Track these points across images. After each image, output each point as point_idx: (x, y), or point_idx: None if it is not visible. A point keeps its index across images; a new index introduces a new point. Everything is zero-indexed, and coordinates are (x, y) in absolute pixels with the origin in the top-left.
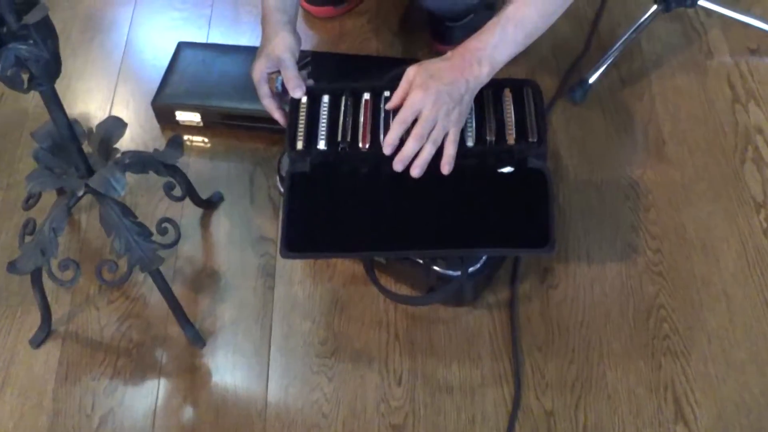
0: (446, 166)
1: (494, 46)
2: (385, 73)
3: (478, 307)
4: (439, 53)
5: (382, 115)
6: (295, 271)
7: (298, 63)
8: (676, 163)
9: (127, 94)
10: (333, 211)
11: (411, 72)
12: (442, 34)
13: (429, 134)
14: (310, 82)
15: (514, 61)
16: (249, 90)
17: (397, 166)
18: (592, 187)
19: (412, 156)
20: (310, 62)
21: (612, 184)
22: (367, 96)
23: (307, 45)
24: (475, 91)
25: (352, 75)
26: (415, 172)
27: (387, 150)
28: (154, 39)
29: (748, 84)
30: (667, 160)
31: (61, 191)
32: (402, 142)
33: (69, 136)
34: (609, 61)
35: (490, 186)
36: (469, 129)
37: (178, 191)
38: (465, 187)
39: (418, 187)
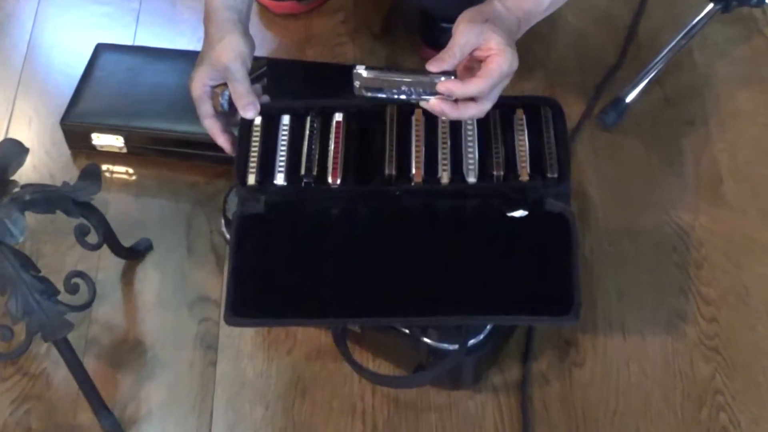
0: (438, 106)
1: (528, 11)
2: None
3: (480, 390)
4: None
5: (358, 142)
6: (243, 341)
7: (251, 73)
8: (737, 206)
9: (29, 109)
10: (294, 264)
11: (471, 18)
12: (436, 37)
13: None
14: (266, 98)
15: (529, 73)
16: (187, 107)
17: (433, 66)
18: (628, 237)
19: (457, 95)
20: (267, 72)
21: (654, 233)
22: (339, 117)
23: (264, 50)
24: (519, 36)
25: (321, 89)
26: (456, 113)
27: (433, 67)
28: (66, 39)
29: None
30: (724, 202)
31: None
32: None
33: None
34: (651, 76)
35: (496, 234)
36: (471, 161)
37: (93, 237)
38: (464, 235)
39: (405, 235)
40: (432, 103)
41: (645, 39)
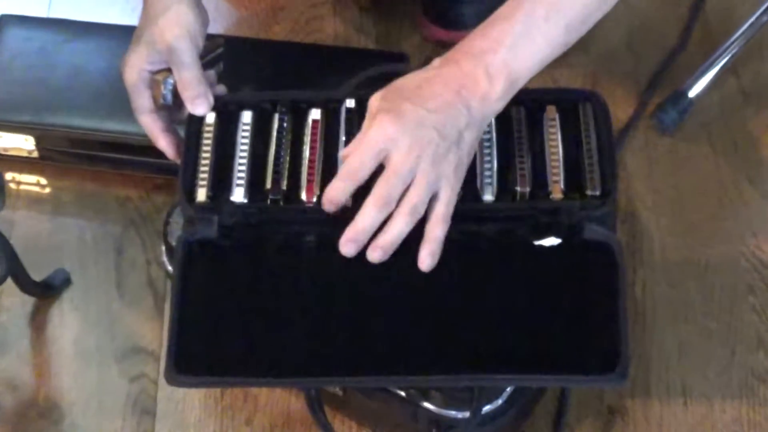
0: (427, 260)
1: (513, 45)
2: (347, 75)
3: None
4: (440, 44)
5: (342, 139)
6: (190, 406)
7: (203, 56)
8: None
9: None
10: (255, 306)
11: (375, 97)
12: (443, 11)
13: (402, 197)
14: (222, 88)
15: (563, 57)
16: (118, 100)
17: (346, 247)
18: (691, 273)
19: (369, 231)
20: (223, 55)
21: (726, 269)
22: (315, 114)
23: (219, 26)
24: (484, 124)
25: (293, 78)
26: (375, 256)
27: (328, 207)
28: None
29: None
30: None
31: None
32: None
33: None
34: (721, 64)
35: (520, 270)
36: (488, 174)
37: None
38: (478, 271)
39: (401, 270)
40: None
41: (715, 14)
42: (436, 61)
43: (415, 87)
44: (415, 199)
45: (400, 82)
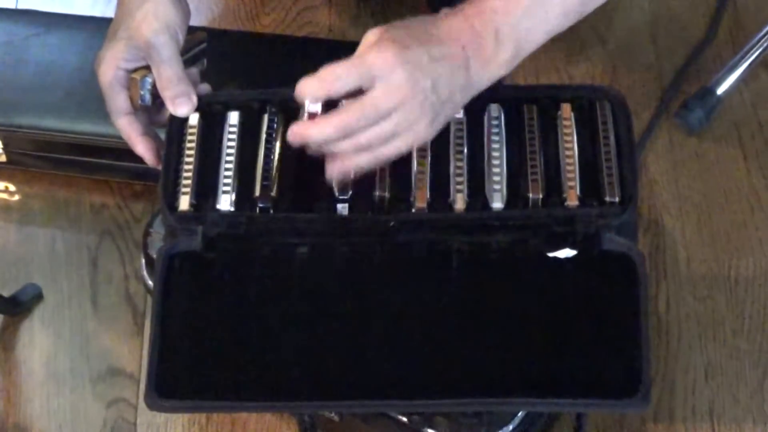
0: (328, 170)
1: (527, 9)
2: None
3: None
4: None
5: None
6: None
7: (184, 52)
8: None
9: None
10: (243, 323)
11: (375, 30)
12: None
13: (381, 137)
14: (206, 87)
15: (581, 51)
16: (92, 99)
17: (290, 137)
18: (720, 286)
19: (315, 143)
20: (207, 50)
21: (756, 281)
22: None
23: (202, 18)
24: (478, 90)
25: (283, 74)
26: (333, 174)
27: (291, 137)
28: None
29: None
30: None
31: None
32: None
33: None
34: (752, 58)
35: (532, 284)
36: (497, 179)
37: None
38: (487, 285)
39: (403, 286)
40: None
41: (746, 4)
42: (444, 11)
43: (422, 29)
44: (376, 141)
45: (405, 22)
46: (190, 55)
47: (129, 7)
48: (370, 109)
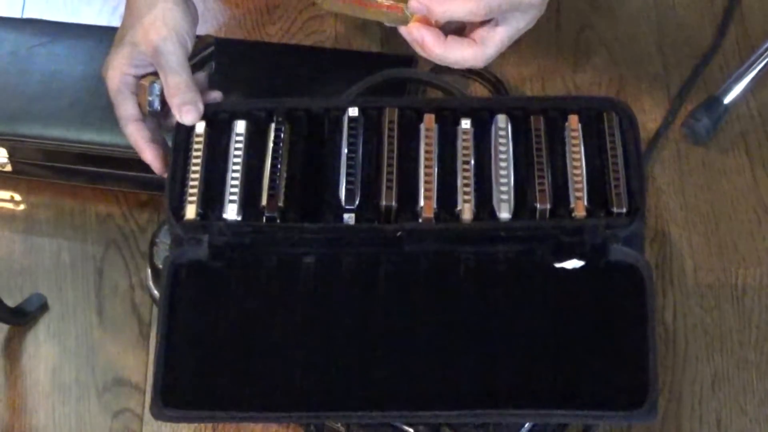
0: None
1: None
2: (349, 81)
3: None
4: None
5: (344, 151)
6: None
7: (192, 58)
8: None
9: None
10: (249, 333)
11: None
12: None
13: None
14: (217, 94)
15: (586, 59)
16: (98, 108)
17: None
18: (727, 297)
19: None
20: (215, 56)
21: (764, 292)
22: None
23: (210, 25)
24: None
25: (290, 83)
26: (439, 50)
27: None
28: None
29: None
30: None
31: None
32: None
33: None
34: (760, 67)
35: (539, 294)
36: (504, 189)
37: None
38: (494, 295)
39: (410, 297)
40: (410, 27)
41: (753, 12)
42: None
43: None
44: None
45: None
46: (197, 59)
47: (136, 13)
48: (481, 59)
